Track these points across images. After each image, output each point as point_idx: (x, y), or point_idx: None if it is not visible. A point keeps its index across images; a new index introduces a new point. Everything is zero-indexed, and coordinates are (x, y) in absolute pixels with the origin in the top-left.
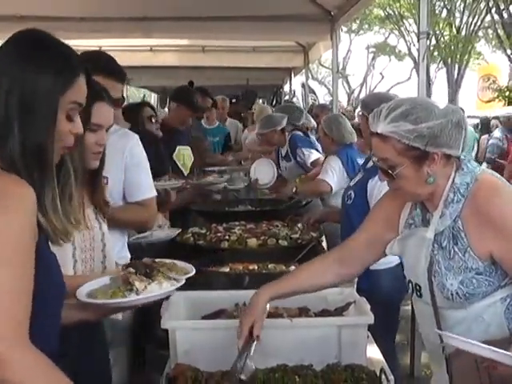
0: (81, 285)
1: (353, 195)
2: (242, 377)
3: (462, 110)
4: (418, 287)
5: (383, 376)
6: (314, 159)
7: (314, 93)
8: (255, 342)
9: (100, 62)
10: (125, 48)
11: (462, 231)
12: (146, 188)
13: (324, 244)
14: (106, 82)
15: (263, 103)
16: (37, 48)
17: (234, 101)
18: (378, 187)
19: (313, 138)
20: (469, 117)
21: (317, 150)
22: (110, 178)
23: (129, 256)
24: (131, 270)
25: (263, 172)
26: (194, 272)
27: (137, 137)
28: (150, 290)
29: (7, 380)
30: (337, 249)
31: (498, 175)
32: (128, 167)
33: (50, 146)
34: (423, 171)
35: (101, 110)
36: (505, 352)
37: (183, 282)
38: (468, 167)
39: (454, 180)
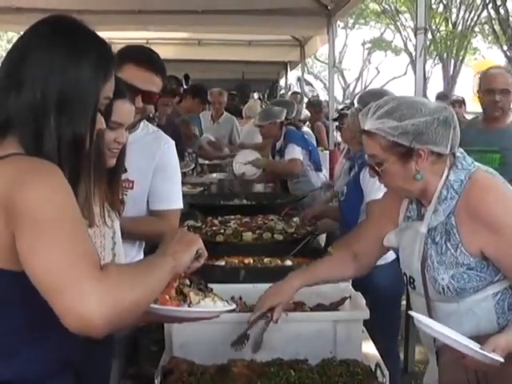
0: None
1: (345, 191)
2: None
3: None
4: (411, 279)
5: (378, 371)
6: (291, 158)
7: (312, 85)
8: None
9: (140, 54)
10: (121, 41)
11: (454, 227)
12: (172, 198)
13: (323, 238)
14: (144, 75)
15: (258, 97)
16: (74, 35)
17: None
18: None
19: (307, 130)
20: (465, 112)
21: (305, 148)
22: (136, 182)
23: None
24: (186, 281)
25: (246, 165)
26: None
27: (172, 142)
28: (203, 306)
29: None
30: (353, 243)
31: (494, 171)
32: (156, 172)
33: (86, 140)
34: (411, 168)
35: (122, 108)
36: (465, 344)
37: (234, 306)
38: (463, 164)
39: (447, 177)
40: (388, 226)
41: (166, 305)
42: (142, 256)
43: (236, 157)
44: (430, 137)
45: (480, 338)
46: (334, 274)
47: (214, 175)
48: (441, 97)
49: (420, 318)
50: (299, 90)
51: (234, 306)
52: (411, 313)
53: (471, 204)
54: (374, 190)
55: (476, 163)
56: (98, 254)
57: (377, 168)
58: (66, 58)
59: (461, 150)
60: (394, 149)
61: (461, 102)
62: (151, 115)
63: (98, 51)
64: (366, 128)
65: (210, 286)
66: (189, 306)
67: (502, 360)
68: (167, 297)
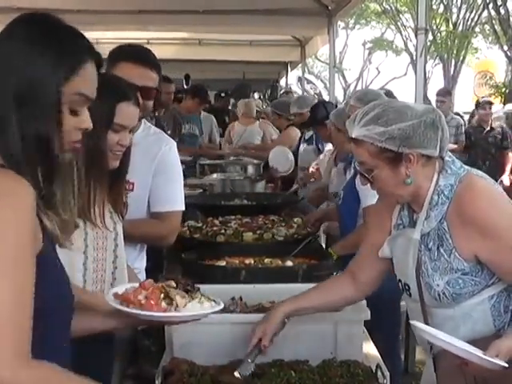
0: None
1: (342, 194)
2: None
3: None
4: (407, 286)
5: (379, 372)
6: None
7: (313, 83)
8: (259, 352)
9: (132, 51)
10: (122, 41)
11: (447, 233)
12: (172, 199)
13: (322, 240)
14: (139, 71)
15: (259, 97)
16: (36, 31)
17: (222, 95)
18: None
19: None
20: (465, 113)
21: None
22: (136, 183)
23: (143, 267)
24: (172, 283)
25: (280, 160)
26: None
27: (173, 143)
28: (190, 308)
29: None
30: (349, 264)
31: (484, 175)
32: (156, 173)
33: (52, 139)
34: (401, 172)
35: (125, 111)
36: (469, 351)
37: (222, 306)
38: (452, 169)
39: (437, 182)
40: (383, 236)
41: (151, 310)
42: (143, 259)
43: (271, 152)
44: (417, 140)
45: (476, 341)
46: (330, 297)
47: (215, 176)
48: (442, 93)
49: (421, 326)
50: (291, 89)
51: (221, 306)
52: (412, 322)
53: (464, 209)
54: (371, 194)
55: (466, 166)
56: (28, 328)
57: (367, 175)
58: (24, 53)
59: (449, 153)
60: (382, 155)
61: (485, 104)
62: None
63: (60, 47)
64: (353, 136)
65: (211, 286)
66: (176, 309)
67: (507, 365)
68: (152, 302)
